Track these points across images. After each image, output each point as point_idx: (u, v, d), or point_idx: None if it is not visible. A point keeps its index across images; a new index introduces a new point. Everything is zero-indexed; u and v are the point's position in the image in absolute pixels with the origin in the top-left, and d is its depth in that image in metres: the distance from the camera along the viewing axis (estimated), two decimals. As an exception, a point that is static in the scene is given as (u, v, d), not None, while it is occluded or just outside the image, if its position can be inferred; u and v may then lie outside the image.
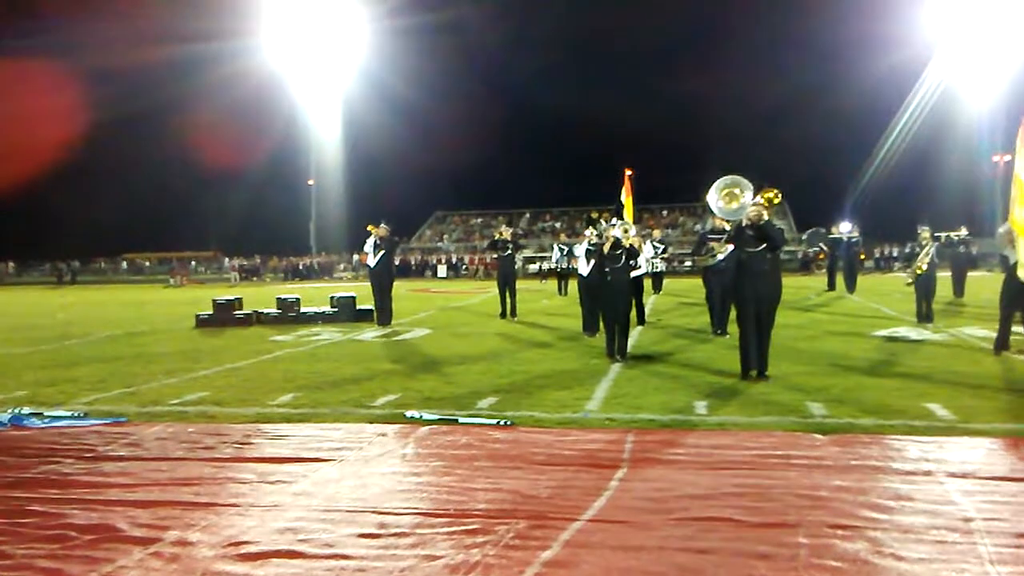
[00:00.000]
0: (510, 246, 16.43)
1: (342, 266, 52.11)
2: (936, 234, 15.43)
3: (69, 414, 7.21)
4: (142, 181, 52.86)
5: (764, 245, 8.15)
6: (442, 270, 47.77)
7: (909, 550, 3.79)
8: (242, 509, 4.63)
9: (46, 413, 7.21)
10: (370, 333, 14.01)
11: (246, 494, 4.93)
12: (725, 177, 9.32)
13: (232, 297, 17.30)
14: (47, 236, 55.91)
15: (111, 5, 45.27)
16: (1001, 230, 10.32)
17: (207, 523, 4.39)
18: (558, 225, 54.64)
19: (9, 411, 7.18)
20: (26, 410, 7.26)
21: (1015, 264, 9.10)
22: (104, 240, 57.08)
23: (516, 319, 15.85)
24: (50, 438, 6.47)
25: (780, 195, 8.48)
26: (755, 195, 8.67)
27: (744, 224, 8.34)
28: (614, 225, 10.35)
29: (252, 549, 4.00)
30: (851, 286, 21.17)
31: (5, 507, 4.71)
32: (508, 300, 16.18)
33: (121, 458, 5.84)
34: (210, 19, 43.50)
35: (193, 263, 56.67)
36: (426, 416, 6.84)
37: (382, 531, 4.23)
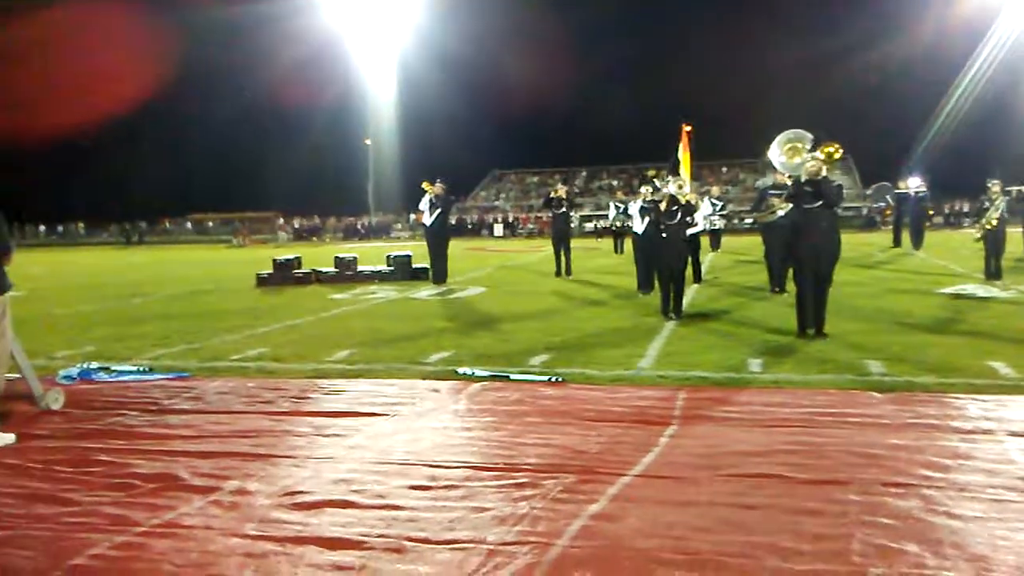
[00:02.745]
0: (564, 204, 16.34)
1: (399, 225, 52.49)
2: (1007, 188, 14.87)
3: (135, 368, 7.47)
4: (205, 141, 53.69)
5: (822, 202, 7.96)
6: (499, 229, 47.77)
7: (964, 508, 3.73)
8: (298, 461, 4.76)
9: (113, 367, 7.48)
10: (425, 291, 14.15)
11: (302, 446, 5.06)
12: (787, 131, 9.13)
13: (292, 256, 17.60)
14: (115, 197, 57.36)
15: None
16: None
17: (265, 473, 4.53)
18: (615, 183, 54.04)
19: (78, 366, 7.46)
20: (94, 365, 7.53)
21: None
22: (169, 201, 58.45)
23: (571, 277, 15.82)
24: (117, 391, 6.72)
25: (840, 150, 8.25)
26: (814, 150, 8.46)
27: (802, 180, 8.16)
28: (669, 182, 10.21)
29: (307, 499, 4.12)
30: (917, 242, 20.59)
31: (73, 457, 4.92)
32: (563, 258, 16.14)
33: (184, 411, 6.04)
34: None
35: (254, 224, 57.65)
36: (478, 373, 6.90)
37: (433, 483, 4.31)
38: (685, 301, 10.89)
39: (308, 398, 6.34)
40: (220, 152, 54.18)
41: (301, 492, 4.21)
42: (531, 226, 46.02)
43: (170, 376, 7.23)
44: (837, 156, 8.18)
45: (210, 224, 61.29)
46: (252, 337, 9.44)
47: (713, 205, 20.29)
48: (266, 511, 3.97)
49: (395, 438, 5.18)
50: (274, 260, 16.99)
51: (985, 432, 4.92)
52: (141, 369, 7.47)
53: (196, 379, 7.14)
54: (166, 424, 5.67)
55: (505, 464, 4.59)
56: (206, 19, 45.65)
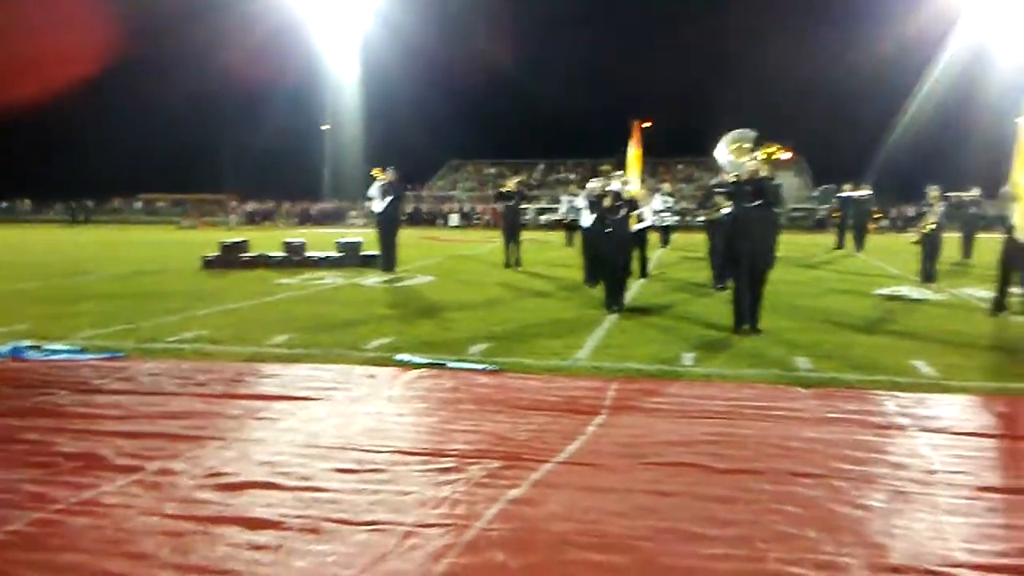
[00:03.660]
0: (515, 196, 16.41)
1: (354, 212, 52.12)
2: (946, 194, 15.28)
3: (68, 348, 7.36)
4: (158, 121, 52.57)
5: (761, 201, 8.14)
6: (454, 219, 47.69)
7: (868, 499, 3.88)
8: (226, 443, 4.76)
9: (45, 346, 7.37)
10: (373, 278, 14.11)
11: (232, 429, 5.06)
12: (734, 131, 9.29)
13: (239, 239, 17.41)
14: (63, 174, 56.02)
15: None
16: (1003, 190, 10.25)
17: (191, 455, 4.52)
18: (572, 176, 54.31)
19: (10, 344, 7.33)
20: (26, 343, 7.41)
21: (1013, 225, 9.07)
22: (119, 180, 57.13)
23: (520, 268, 15.91)
24: (47, 370, 6.63)
25: (780, 151, 8.44)
26: (756, 150, 8.63)
27: (743, 179, 8.33)
28: (613, 178, 10.33)
29: (231, 480, 4.13)
30: (859, 244, 21.07)
31: (-1, 434, 4.86)
32: (513, 250, 16.23)
33: (114, 391, 5.98)
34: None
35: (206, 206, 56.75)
36: (415, 360, 6.94)
37: (358, 467, 4.35)
38: (630, 295, 11.05)
39: (243, 381, 6.32)
40: (174, 132, 53.20)
41: (225, 473, 4.22)
42: (487, 217, 45.99)
43: (103, 356, 7.15)
44: (776, 156, 8.36)
45: (161, 205, 60.16)
46: (191, 319, 9.35)
47: (664, 201, 20.49)
48: (188, 491, 3.97)
49: (326, 422, 5.21)
50: (221, 243, 16.79)
51: (899, 428, 5.10)
52: (74, 348, 7.37)
53: (130, 360, 7.06)
54: (95, 404, 5.62)
55: (432, 449, 4.65)
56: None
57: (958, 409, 5.55)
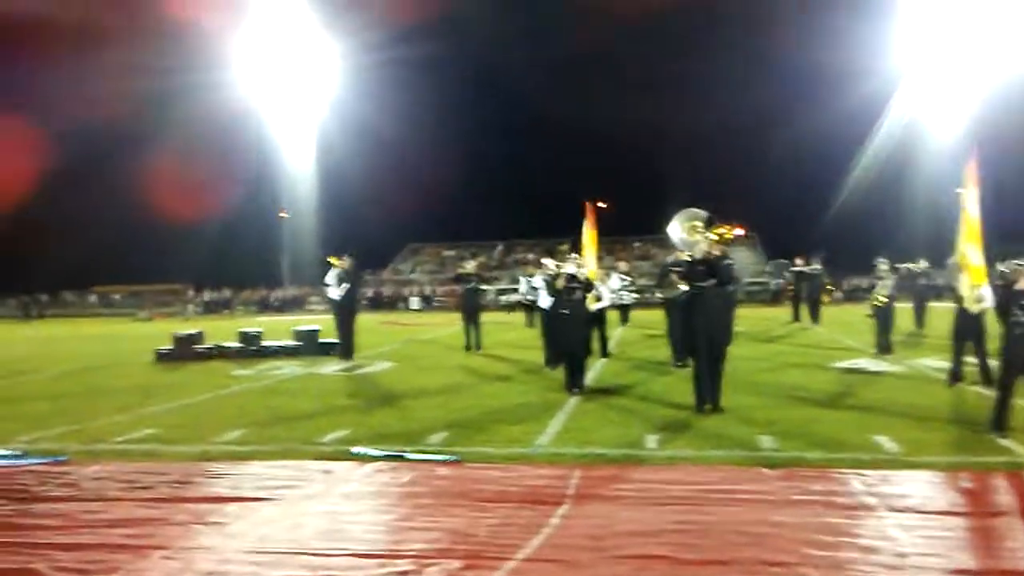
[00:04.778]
0: (474, 279, 16.40)
1: (314, 298, 51.74)
2: (896, 265, 15.58)
3: (7, 452, 7.04)
4: (112, 214, 52.15)
5: (715, 280, 8.19)
6: (415, 302, 47.57)
7: (839, 587, 3.77)
8: (171, 552, 4.52)
9: (-16, 452, 7.05)
10: (331, 367, 13.87)
11: (178, 536, 4.81)
12: (686, 210, 9.39)
13: (194, 331, 17.09)
14: (15, 269, 55.01)
15: (81, 39, 44.90)
16: (950, 261, 10.46)
17: (132, 568, 4.28)
18: (530, 256, 54.71)
19: (-54, 450, 7.00)
20: (-37, 449, 7.08)
21: (962, 296, 9.22)
22: (73, 273, 56.27)
23: (481, 351, 15.78)
24: (-16, 478, 6.31)
25: (733, 229, 8.53)
26: (708, 229, 8.71)
27: (696, 259, 8.39)
28: (568, 259, 10.36)
29: (173, 594, 3.90)
30: (815, 317, 21.31)
31: (-76, 552, 4.56)
32: (472, 333, 16.13)
33: (55, 498, 5.70)
34: (183, 54, 43.35)
35: (163, 297, 55.99)
36: (372, 452, 6.74)
37: (310, 574, 4.15)
38: (591, 375, 10.96)
39: (191, 483, 6.06)
40: (127, 222, 52.75)
41: (168, 587, 3.99)
42: (441, 299, 46.00)
43: (45, 460, 6.83)
44: (728, 236, 8.44)
45: (116, 297, 59.21)
46: (141, 417, 9.04)
47: (622, 280, 20.60)
48: (127, 609, 3.73)
49: (278, 525, 4.99)
50: (174, 335, 16.45)
51: (867, 508, 5.02)
52: (14, 453, 7.05)
53: (73, 463, 6.76)
54: (33, 513, 5.34)
55: (389, 551, 4.46)
56: (123, 91, 44.96)
57: (924, 486, 5.49)
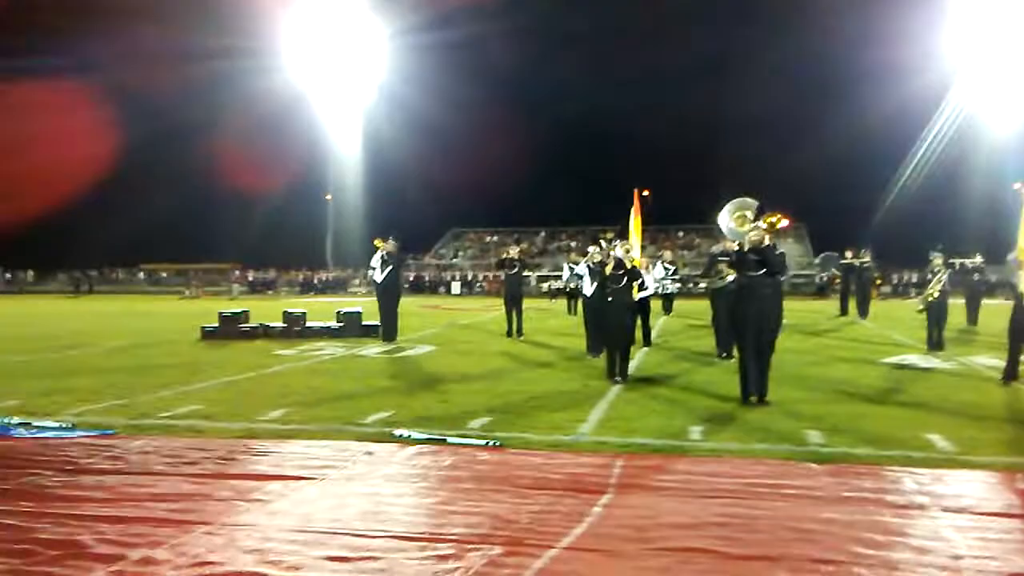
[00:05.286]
0: (517, 264, 16.35)
1: (357, 281, 52.17)
2: (950, 260, 15.19)
3: (56, 425, 7.16)
4: (163, 193, 53.09)
5: (765, 270, 8.03)
6: (456, 287, 47.74)
7: (892, 589, 3.65)
8: (214, 528, 4.53)
9: (34, 423, 7.17)
10: (373, 349, 13.94)
11: (221, 512, 4.83)
12: (736, 199, 9.23)
13: (239, 310, 17.29)
14: (67, 245, 56.30)
15: (133, 23, 45.66)
16: (1010, 258, 10.15)
17: (176, 542, 4.30)
18: (573, 244, 54.46)
19: (-2, 420, 7.14)
20: (14, 419, 7.22)
21: (1022, 293, 8.93)
22: (123, 250, 57.47)
23: (522, 338, 15.74)
24: (34, 449, 6.42)
25: (782, 219, 8.35)
26: (758, 219, 8.55)
27: (746, 248, 8.24)
28: (615, 246, 10.25)
29: (216, 570, 3.91)
30: (863, 312, 20.91)
31: (-22, 520, 4.64)
32: (514, 319, 16.09)
33: (101, 471, 5.77)
34: (232, 37, 43.76)
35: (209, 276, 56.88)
36: (414, 435, 6.73)
37: (352, 554, 4.12)
38: (633, 365, 10.87)
39: (235, 460, 6.10)
40: (177, 202, 53.60)
41: (211, 563, 4.00)
42: (483, 285, 46.05)
43: (93, 433, 6.94)
44: (779, 226, 8.27)
45: (164, 275, 60.34)
46: (186, 393, 9.16)
47: (666, 269, 20.38)
48: (170, 583, 3.75)
49: (320, 504, 4.99)
50: (220, 313, 16.66)
51: (919, 507, 4.87)
52: (63, 425, 7.17)
53: (120, 437, 6.86)
54: (80, 485, 5.40)
55: (430, 534, 4.42)
56: (174, 76, 45.70)
57: (979, 487, 5.32)
